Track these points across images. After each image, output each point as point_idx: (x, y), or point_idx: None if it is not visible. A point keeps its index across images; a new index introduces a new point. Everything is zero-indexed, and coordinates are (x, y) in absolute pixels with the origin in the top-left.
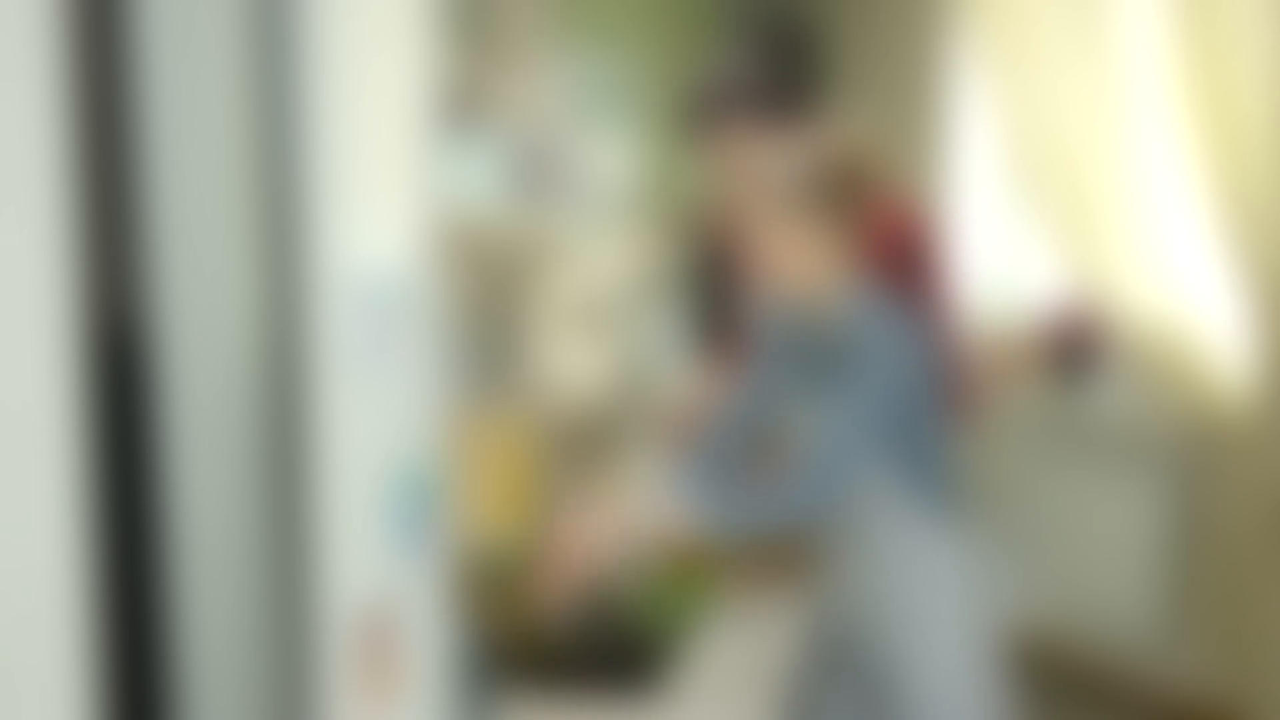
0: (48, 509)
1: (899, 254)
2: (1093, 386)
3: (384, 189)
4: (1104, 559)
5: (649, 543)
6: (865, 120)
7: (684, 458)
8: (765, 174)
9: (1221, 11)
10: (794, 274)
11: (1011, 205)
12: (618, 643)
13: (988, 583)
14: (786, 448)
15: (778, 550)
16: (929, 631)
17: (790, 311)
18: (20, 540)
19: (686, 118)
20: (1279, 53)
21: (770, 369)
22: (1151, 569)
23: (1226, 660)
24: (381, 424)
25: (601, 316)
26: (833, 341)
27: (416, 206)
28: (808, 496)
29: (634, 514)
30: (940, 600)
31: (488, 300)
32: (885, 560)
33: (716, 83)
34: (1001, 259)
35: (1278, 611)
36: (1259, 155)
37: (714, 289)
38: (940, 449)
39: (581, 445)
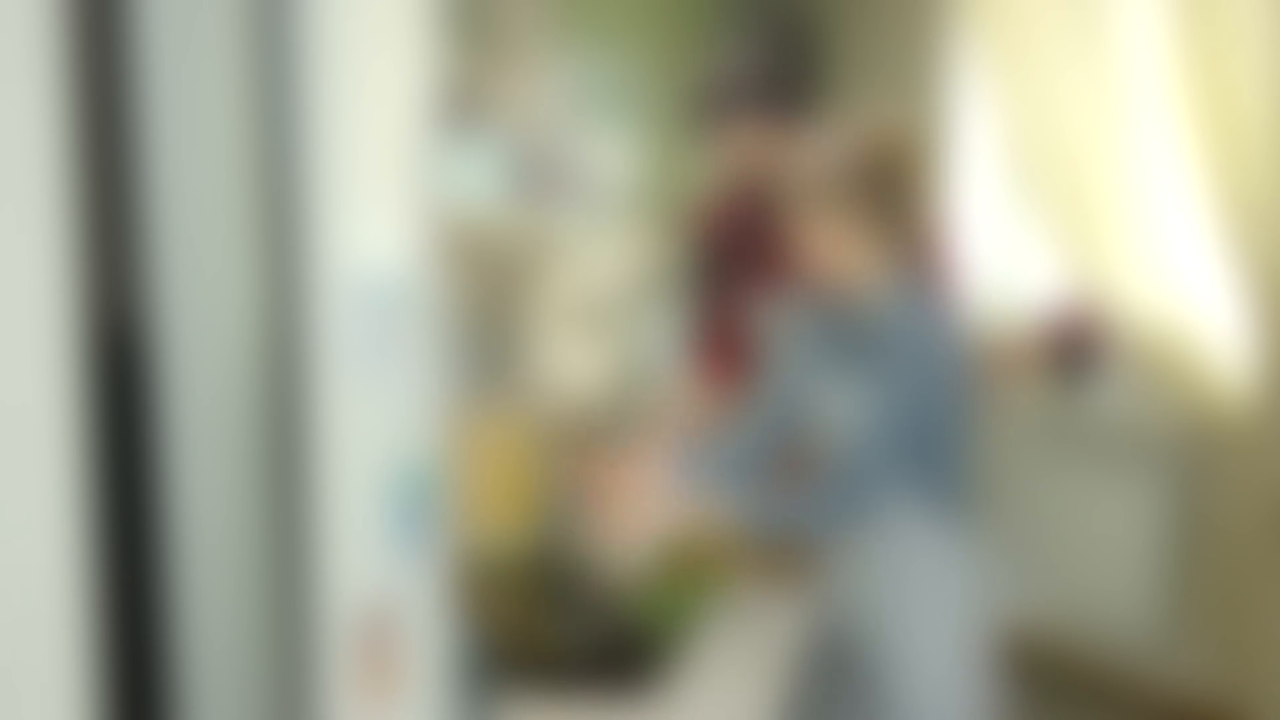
0: (48, 509)
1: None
2: (1093, 386)
3: (384, 189)
4: (1104, 559)
5: (674, 529)
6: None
7: (711, 449)
8: (794, 166)
9: (1221, 11)
10: (832, 265)
11: (1011, 205)
12: (618, 642)
13: (990, 585)
14: (817, 443)
15: (779, 548)
16: (928, 631)
17: (819, 302)
18: (20, 540)
19: (695, 114)
20: (1279, 53)
21: (798, 360)
22: (1151, 569)
23: (1226, 660)
24: (381, 424)
25: (601, 316)
26: (866, 332)
27: (416, 206)
28: (843, 503)
29: (665, 499)
30: (941, 601)
31: (488, 300)
32: (889, 559)
33: (723, 79)
34: (1001, 259)
35: (1278, 611)
36: (1259, 155)
37: (711, 289)
38: (960, 448)
39: (581, 445)
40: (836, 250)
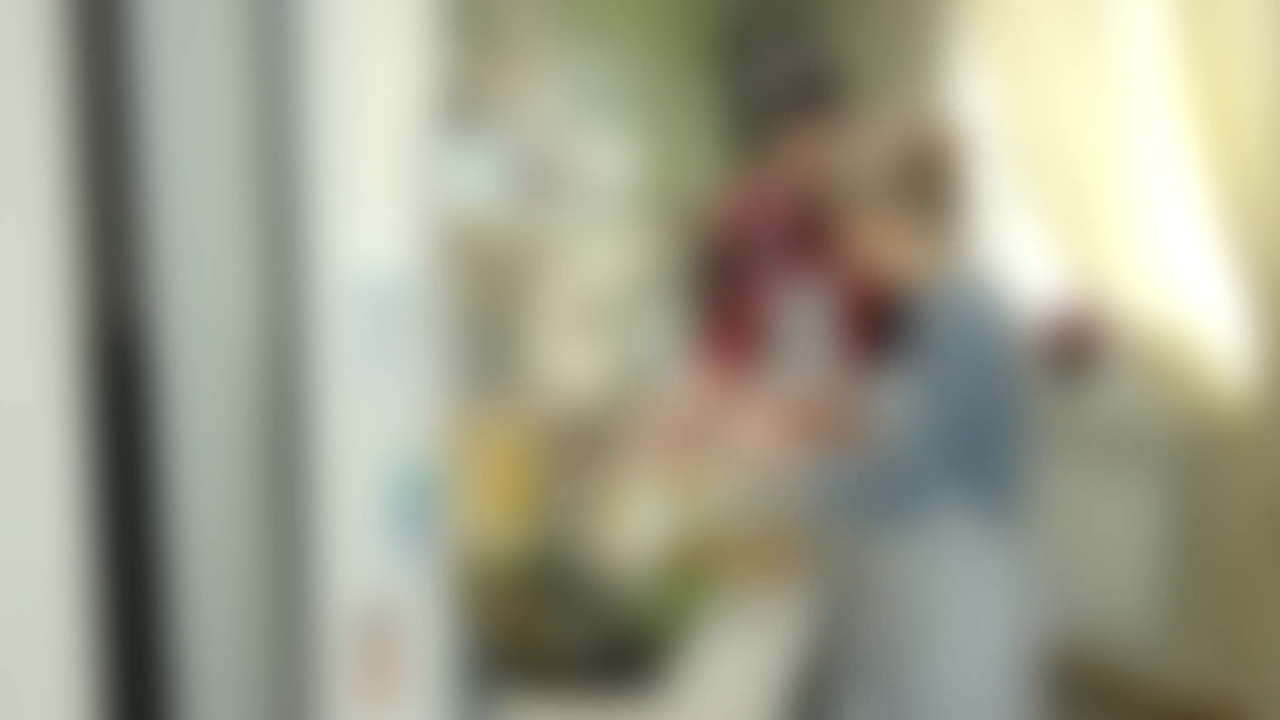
0: (48, 509)
1: None
2: (1093, 386)
3: (384, 189)
4: (1104, 559)
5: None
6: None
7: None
8: (836, 166)
9: (1221, 11)
10: (883, 262)
11: (1012, 205)
12: (618, 643)
13: (1035, 596)
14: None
15: (784, 546)
16: (965, 640)
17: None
18: (20, 540)
19: (742, 123)
20: (1279, 53)
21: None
22: (1151, 569)
23: (1226, 660)
24: (381, 424)
25: (601, 316)
26: (918, 327)
27: (416, 206)
28: (896, 493)
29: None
30: (983, 610)
31: (488, 300)
32: (929, 563)
33: (771, 85)
34: (1002, 259)
35: (1278, 611)
36: (1259, 155)
37: (718, 289)
38: (1012, 448)
39: (581, 445)
40: (886, 247)
